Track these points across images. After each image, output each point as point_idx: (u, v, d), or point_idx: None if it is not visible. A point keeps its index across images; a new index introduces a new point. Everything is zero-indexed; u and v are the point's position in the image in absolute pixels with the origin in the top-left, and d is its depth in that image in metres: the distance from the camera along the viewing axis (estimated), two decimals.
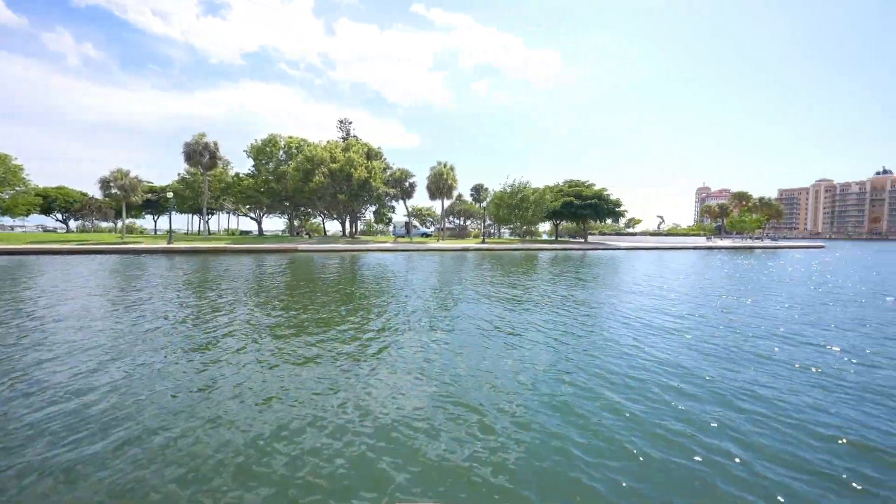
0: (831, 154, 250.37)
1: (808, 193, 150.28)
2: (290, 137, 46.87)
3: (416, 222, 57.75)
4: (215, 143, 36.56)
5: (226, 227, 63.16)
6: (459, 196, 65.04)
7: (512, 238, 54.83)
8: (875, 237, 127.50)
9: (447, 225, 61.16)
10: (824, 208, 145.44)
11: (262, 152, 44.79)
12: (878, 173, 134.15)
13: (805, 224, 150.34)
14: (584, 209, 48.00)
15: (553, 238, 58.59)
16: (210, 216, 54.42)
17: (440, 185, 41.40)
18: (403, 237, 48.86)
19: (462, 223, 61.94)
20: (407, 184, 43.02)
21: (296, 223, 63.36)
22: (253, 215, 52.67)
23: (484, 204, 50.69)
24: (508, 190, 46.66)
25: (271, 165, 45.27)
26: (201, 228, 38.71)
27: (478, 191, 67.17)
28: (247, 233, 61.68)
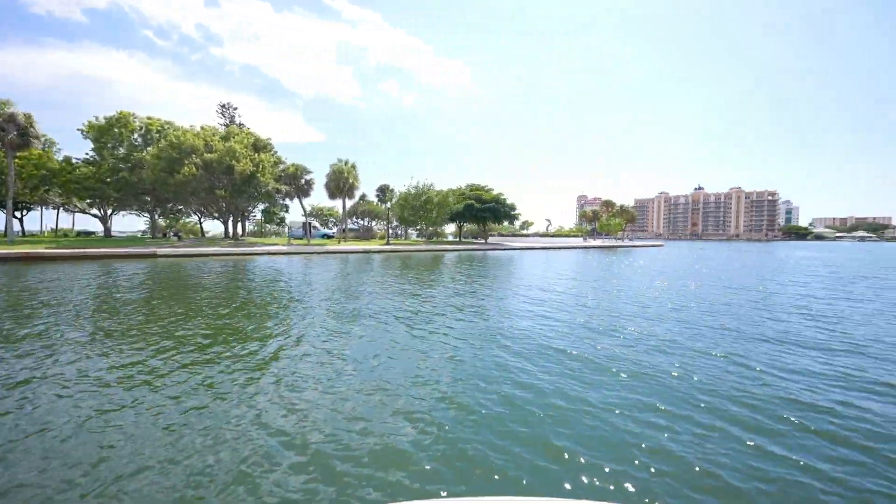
0: (669, 172, 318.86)
1: (654, 203, 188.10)
2: (150, 118, 38.68)
3: (316, 223, 53.65)
4: (27, 116, 27.72)
5: (53, 227, 48.99)
6: (364, 196, 62.78)
7: (418, 239, 55.18)
8: (694, 237, 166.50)
9: (350, 226, 58.41)
10: (664, 215, 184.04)
11: (107, 133, 35.89)
12: (695, 189, 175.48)
13: (653, 227, 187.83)
14: (484, 212, 51.04)
15: (457, 239, 60.94)
16: (26, 212, 41.41)
17: (340, 183, 39.13)
18: (300, 239, 44.83)
19: (367, 224, 59.89)
20: (303, 181, 39.49)
21: (162, 223, 52.76)
22: (97, 212, 41.85)
23: (389, 205, 49.81)
24: (413, 191, 46.76)
25: (122, 150, 36.60)
26: (8, 228, 28.98)
27: (383, 191, 65.70)
28: (88, 234, 48.85)
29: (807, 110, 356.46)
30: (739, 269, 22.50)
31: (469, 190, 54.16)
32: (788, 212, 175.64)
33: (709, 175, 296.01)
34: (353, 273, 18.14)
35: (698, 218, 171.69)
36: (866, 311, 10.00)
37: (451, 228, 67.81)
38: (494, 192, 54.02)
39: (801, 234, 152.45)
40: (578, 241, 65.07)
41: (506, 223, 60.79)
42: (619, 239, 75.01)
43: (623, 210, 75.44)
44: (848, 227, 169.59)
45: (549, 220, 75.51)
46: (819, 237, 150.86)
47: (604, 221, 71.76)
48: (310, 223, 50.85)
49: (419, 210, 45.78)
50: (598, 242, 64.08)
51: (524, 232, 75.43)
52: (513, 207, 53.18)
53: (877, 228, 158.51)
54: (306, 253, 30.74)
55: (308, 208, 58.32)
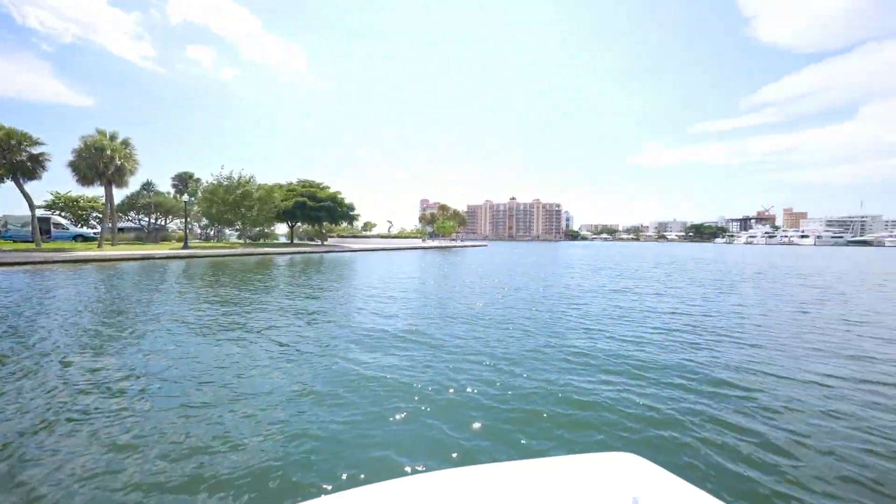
0: (495, 180, 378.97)
1: (482, 209, 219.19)
2: None
3: (61, 219, 37.38)
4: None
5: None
6: (150, 185, 48.20)
7: (236, 242, 46.05)
8: (510, 238, 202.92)
9: (128, 224, 43.73)
10: (489, 219, 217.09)
11: None
12: (511, 199, 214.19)
13: (481, 229, 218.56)
14: (319, 211, 46.99)
15: (290, 241, 54.22)
16: None
17: (99, 164, 28.21)
18: (27, 241, 30.28)
19: (155, 221, 46.12)
20: (25, 155, 26.52)
21: None
22: None
23: (191, 199, 39.56)
24: (225, 183, 38.54)
25: None
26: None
27: (184, 181, 52.47)
28: None
29: (576, 147, 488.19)
30: (533, 264, 27.60)
31: (301, 186, 48.87)
32: (568, 219, 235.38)
33: (520, 186, 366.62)
34: (111, 289, 12.56)
35: (513, 222, 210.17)
36: (589, 287, 13.20)
37: (283, 228, 60.06)
38: (331, 191, 50.53)
39: (574, 235, 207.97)
40: (418, 242, 68.47)
41: (345, 224, 57.96)
42: (452, 240, 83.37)
43: (456, 214, 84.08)
44: (599, 231, 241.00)
45: (391, 222, 77.02)
46: (584, 238, 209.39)
47: (440, 224, 78.30)
48: (50, 218, 35.19)
49: (235, 207, 38.03)
50: (434, 243, 69.04)
51: (366, 233, 74.22)
52: (351, 207, 51.00)
53: (613, 231, 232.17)
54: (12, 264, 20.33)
55: (50, 197, 40.43)
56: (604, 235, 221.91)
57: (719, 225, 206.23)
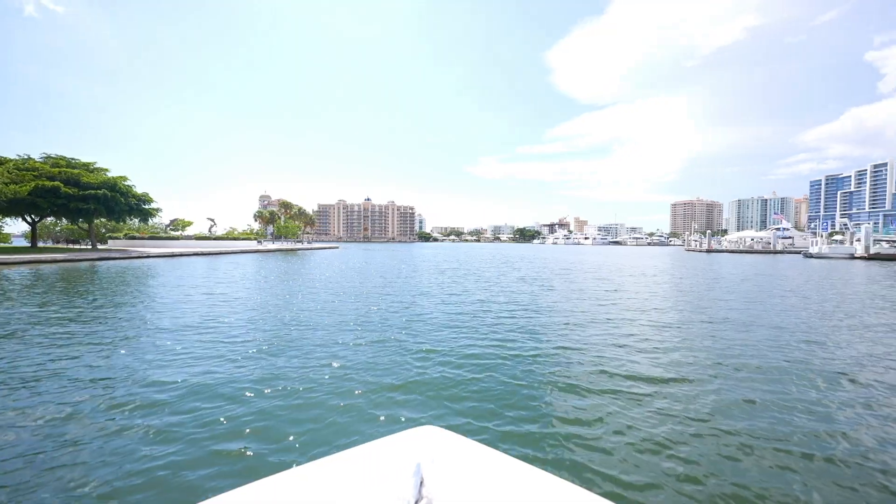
0: (347, 181, 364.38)
1: (334, 208, 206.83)
2: None
3: None
4: None
5: None
6: None
7: None
8: (366, 240, 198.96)
9: None
10: (343, 220, 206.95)
11: None
12: (366, 199, 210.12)
13: (334, 230, 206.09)
14: (86, 202, 33.33)
15: (32, 244, 36.75)
16: None
17: None
18: None
19: None
20: None
21: None
22: None
23: None
24: None
25: None
26: None
27: None
28: None
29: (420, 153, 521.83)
30: (380, 266, 26.27)
31: (47, 165, 33.63)
32: (420, 221, 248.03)
33: (375, 188, 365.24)
34: None
35: (368, 224, 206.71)
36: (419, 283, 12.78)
37: (18, 227, 40.73)
38: (111, 175, 36.76)
39: (426, 237, 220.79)
40: (253, 245, 57.88)
41: (136, 221, 43.45)
42: (298, 241, 74.46)
43: (302, 213, 75.35)
44: (448, 233, 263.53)
45: (212, 220, 62.19)
46: (435, 239, 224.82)
47: (282, 224, 68.43)
48: None
49: None
50: (276, 246, 59.80)
51: (176, 234, 57.99)
52: (145, 199, 38.40)
53: (459, 233, 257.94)
54: None
55: None
56: (452, 237, 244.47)
57: (536, 229, 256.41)
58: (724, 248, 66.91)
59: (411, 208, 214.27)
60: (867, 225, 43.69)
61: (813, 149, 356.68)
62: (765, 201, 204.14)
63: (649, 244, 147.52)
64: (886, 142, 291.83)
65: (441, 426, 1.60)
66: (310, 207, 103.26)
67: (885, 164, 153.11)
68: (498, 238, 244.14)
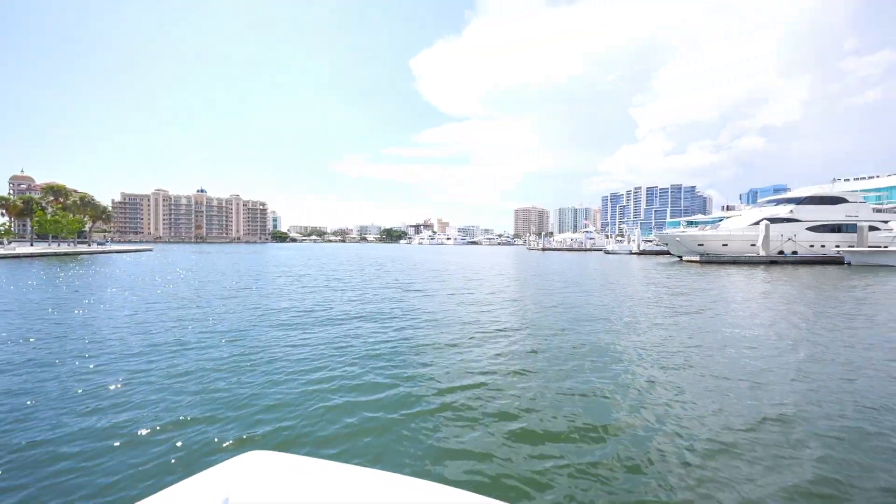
0: (170, 168, 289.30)
1: (150, 200, 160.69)
2: None
3: None
4: None
5: None
6: None
7: None
8: (199, 240, 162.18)
9: None
10: (164, 215, 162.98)
11: None
12: (199, 191, 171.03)
13: (150, 228, 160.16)
14: None
15: None
16: None
17: None
18: None
19: None
20: None
21: None
22: None
23: None
24: None
25: None
26: None
27: None
28: None
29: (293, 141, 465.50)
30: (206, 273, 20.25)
31: None
32: (275, 220, 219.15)
33: (211, 181, 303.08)
34: None
35: (203, 221, 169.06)
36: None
37: None
38: None
39: (283, 237, 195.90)
40: None
41: None
42: (83, 242, 53.09)
43: (87, 203, 54.32)
44: (308, 232, 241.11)
45: None
46: (293, 239, 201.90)
47: (49, 218, 47.33)
48: None
49: None
50: (34, 249, 40.89)
51: None
52: None
53: (322, 233, 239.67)
54: None
55: None
56: (313, 237, 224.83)
57: (402, 229, 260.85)
58: (554, 247, 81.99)
59: (262, 204, 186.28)
60: (637, 230, 60.57)
61: (604, 172, 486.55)
62: (576, 210, 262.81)
63: (499, 244, 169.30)
64: (642, 171, 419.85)
65: (269, 449, 1.50)
66: (109, 197, 75.82)
67: (641, 188, 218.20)
68: (364, 238, 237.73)
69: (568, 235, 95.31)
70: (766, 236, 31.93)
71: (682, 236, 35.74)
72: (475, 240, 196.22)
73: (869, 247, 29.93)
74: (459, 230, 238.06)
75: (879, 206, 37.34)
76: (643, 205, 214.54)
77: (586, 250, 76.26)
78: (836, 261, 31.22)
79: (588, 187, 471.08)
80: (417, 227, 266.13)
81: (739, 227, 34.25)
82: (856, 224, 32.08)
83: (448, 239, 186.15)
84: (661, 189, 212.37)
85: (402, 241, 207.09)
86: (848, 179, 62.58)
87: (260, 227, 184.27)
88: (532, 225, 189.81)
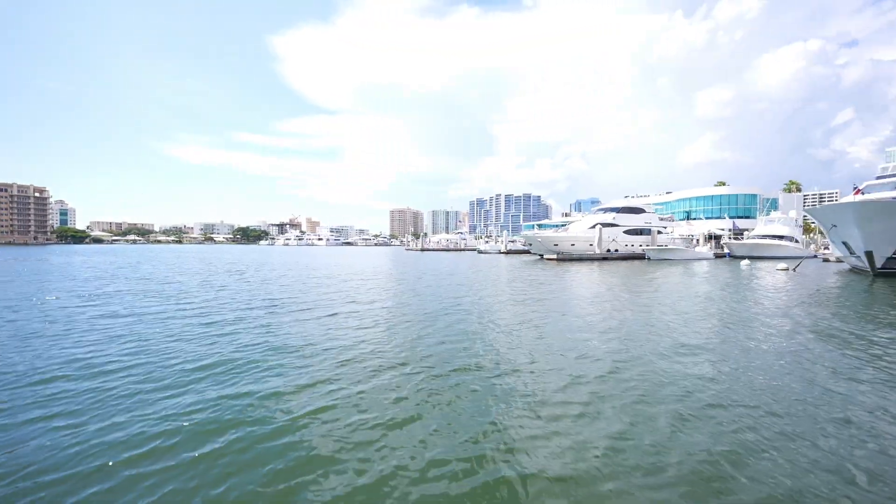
0: None
1: None
2: None
3: None
4: None
5: None
6: None
7: None
8: None
9: None
10: None
11: None
12: None
13: None
14: None
15: None
16: None
17: None
18: None
19: None
20: None
21: None
22: None
23: None
24: None
25: None
26: None
27: None
28: None
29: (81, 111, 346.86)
30: None
31: None
32: (64, 213, 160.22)
33: None
34: None
35: None
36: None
37: None
38: None
39: (79, 237, 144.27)
40: None
41: None
42: None
43: None
44: (123, 231, 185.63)
45: None
46: (98, 240, 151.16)
47: None
48: None
49: None
50: None
51: None
52: None
53: (145, 233, 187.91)
54: None
55: None
56: (131, 237, 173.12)
57: (263, 229, 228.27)
58: (432, 247, 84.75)
59: (40, 191, 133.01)
60: (505, 233, 68.03)
61: (468, 179, 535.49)
62: (447, 212, 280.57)
63: (376, 244, 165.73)
64: (499, 180, 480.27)
65: None
66: None
67: (500, 195, 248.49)
68: (211, 238, 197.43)
69: (444, 236, 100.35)
70: (600, 238, 39.89)
71: (543, 238, 41.44)
72: (350, 240, 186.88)
73: (658, 246, 40.74)
74: (332, 230, 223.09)
75: (662, 216, 51.49)
76: (503, 209, 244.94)
77: (461, 250, 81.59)
78: (641, 256, 41.45)
79: (455, 192, 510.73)
80: (282, 227, 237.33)
81: (582, 231, 41.81)
82: (650, 228, 43.32)
83: (320, 239, 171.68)
84: (516, 197, 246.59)
85: (262, 242, 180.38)
86: (636, 196, 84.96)
87: (36, 222, 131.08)
88: (409, 226, 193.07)
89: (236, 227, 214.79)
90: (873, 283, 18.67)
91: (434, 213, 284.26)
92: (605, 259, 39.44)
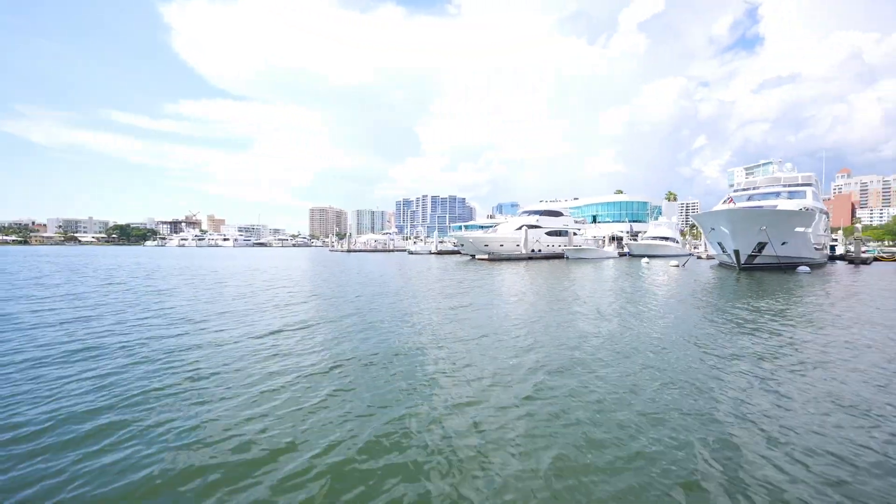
0: None
1: None
2: None
3: None
4: None
5: None
6: None
7: None
8: None
9: None
10: None
11: None
12: None
13: None
14: None
15: None
16: None
17: None
18: None
19: None
20: None
21: None
22: None
23: None
24: None
25: None
26: None
27: None
28: None
29: None
30: None
31: None
32: None
33: None
34: None
35: None
36: None
37: None
38: None
39: None
40: None
41: None
42: None
43: None
44: None
45: None
46: None
47: None
48: None
49: None
50: None
51: None
52: None
53: None
54: None
55: None
56: None
57: (150, 227, 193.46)
58: (359, 248, 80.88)
59: None
60: (436, 233, 68.22)
61: (393, 178, 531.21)
62: (373, 212, 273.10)
63: (294, 245, 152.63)
64: (425, 181, 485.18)
65: None
66: None
67: (427, 196, 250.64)
68: (74, 238, 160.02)
69: (372, 236, 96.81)
70: (526, 239, 42.31)
71: (474, 238, 42.38)
72: (263, 241, 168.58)
73: (575, 246, 44.85)
74: (241, 229, 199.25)
75: (577, 219, 56.94)
76: (429, 210, 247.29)
77: (390, 251, 79.49)
78: (561, 256, 45.13)
79: (380, 191, 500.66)
80: (176, 225, 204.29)
81: (510, 232, 43.88)
82: (568, 230, 47.49)
83: (226, 239, 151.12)
84: (442, 198, 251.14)
85: (148, 243, 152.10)
86: (548, 201, 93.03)
87: None
88: (333, 225, 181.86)
89: (112, 223, 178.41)
90: (739, 275, 22.90)
91: (359, 213, 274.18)
92: (530, 259, 41.96)
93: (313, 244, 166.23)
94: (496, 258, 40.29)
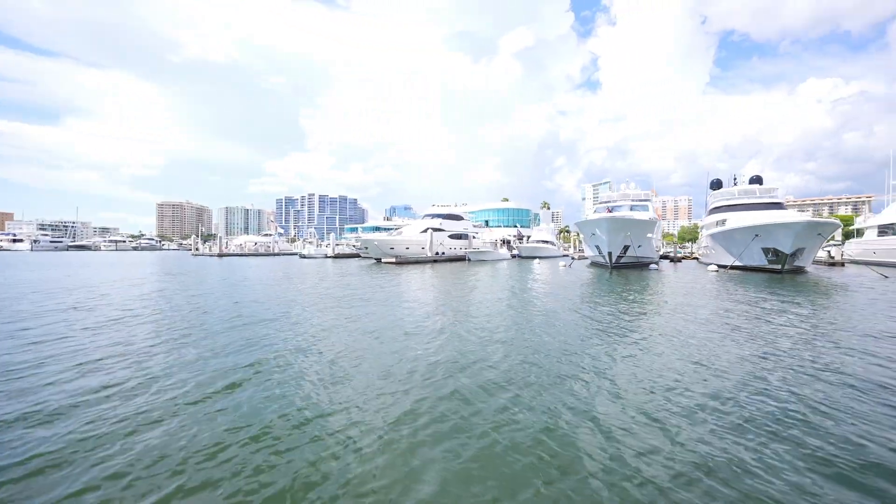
0: None
1: None
2: None
3: None
4: None
5: None
6: None
7: None
8: None
9: None
10: None
11: None
12: None
13: None
14: None
15: None
16: None
17: None
18: None
19: None
20: None
21: None
22: None
23: None
24: None
25: None
26: None
27: None
28: None
29: None
30: None
31: None
32: None
33: None
34: None
35: None
36: None
37: None
38: None
39: None
40: None
41: None
42: None
43: None
44: None
45: None
46: None
47: None
48: None
49: None
50: None
51: None
52: None
53: None
54: None
55: None
56: None
57: None
58: (233, 251, 68.57)
59: None
60: (332, 235, 62.88)
61: (272, 173, 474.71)
62: (248, 210, 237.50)
63: (136, 248, 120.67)
64: (312, 179, 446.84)
65: None
66: None
67: (315, 195, 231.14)
68: None
69: (251, 238, 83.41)
70: (431, 242, 42.58)
71: (380, 241, 40.52)
72: (84, 243, 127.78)
73: (475, 249, 47.30)
74: (44, 226, 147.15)
75: (476, 223, 60.30)
76: (316, 211, 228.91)
77: (274, 254, 69.95)
78: (462, 258, 46.99)
79: (257, 187, 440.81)
80: None
81: (415, 235, 43.49)
82: (468, 234, 49.81)
83: (17, 240, 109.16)
84: (331, 198, 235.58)
85: None
86: (440, 205, 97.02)
87: None
88: (193, 224, 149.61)
89: None
90: (611, 273, 27.58)
91: (228, 211, 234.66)
92: (435, 261, 42.41)
93: (164, 247, 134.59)
94: (403, 261, 39.35)
